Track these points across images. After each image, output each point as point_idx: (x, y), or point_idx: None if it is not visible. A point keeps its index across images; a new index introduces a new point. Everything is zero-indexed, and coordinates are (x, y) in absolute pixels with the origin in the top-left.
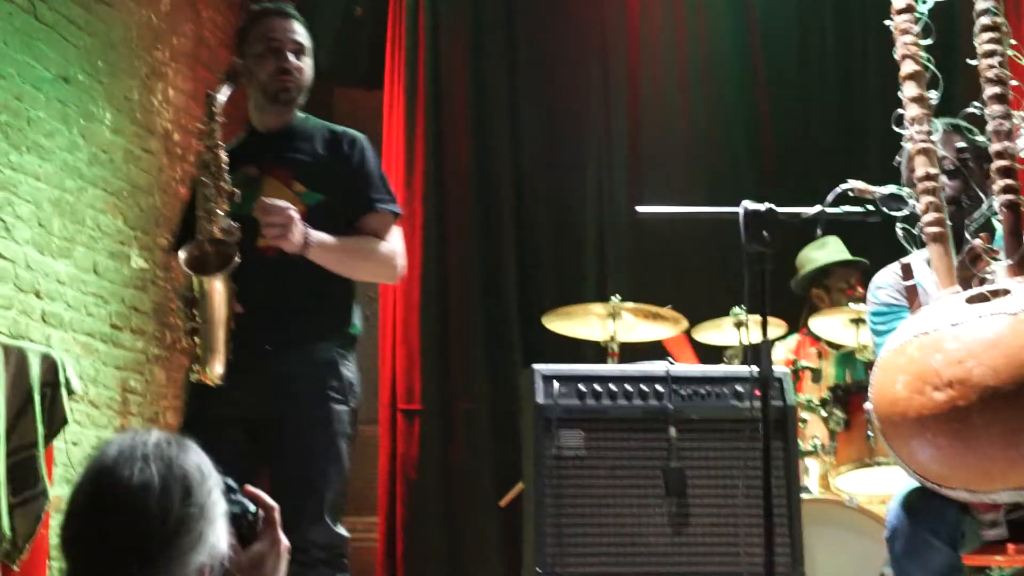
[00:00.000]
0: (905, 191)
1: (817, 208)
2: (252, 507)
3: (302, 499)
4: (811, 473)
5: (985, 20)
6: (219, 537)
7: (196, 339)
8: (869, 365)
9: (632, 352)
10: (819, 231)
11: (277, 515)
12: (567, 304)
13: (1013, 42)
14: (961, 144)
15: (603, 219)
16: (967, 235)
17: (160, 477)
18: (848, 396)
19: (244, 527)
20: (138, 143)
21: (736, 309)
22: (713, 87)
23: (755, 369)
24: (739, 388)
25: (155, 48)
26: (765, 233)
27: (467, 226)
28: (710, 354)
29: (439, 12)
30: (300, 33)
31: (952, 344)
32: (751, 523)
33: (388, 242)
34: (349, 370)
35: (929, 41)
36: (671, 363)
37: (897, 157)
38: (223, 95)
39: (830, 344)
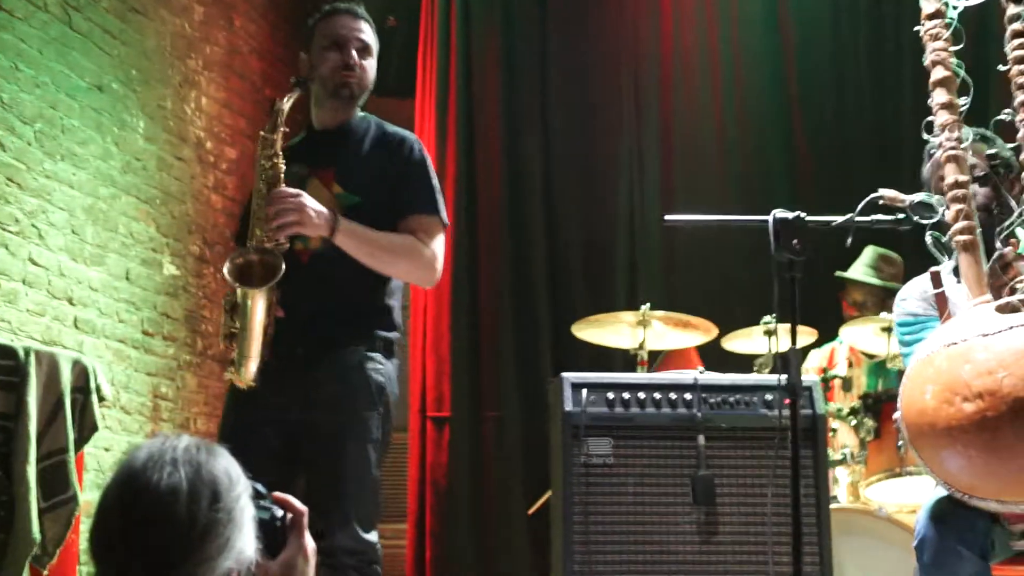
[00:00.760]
0: (935, 199)
1: (847, 216)
2: (280, 512)
3: (329, 505)
4: (841, 482)
5: (1016, 26)
6: (247, 542)
7: (233, 344)
8: (901, 374)
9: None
10: (849, 240)
11: (305, 519)
12: (597, 313)
13: None
14: (991, 151)
15: (634, 228)
16: (997, 243)
17: (188, 482)
18: (879, 405)
19: (272, 532)
20: (171, 151)
21: (766, 317)
22: (746, 96)
23: (784, 378)
24: (768, 397)
25: (188, 57)
26: (795, 241)
27: (498, 235)
28: (740, 363)
29: (471, 22)
30: (367, 33)
31: (982, 355)
32: (780, 532)
33: (429, 245)
34: (381, 374)
35: (959, 46)
36: (700, 371)
37: (925, 169)
38: (288, 103)
39: (863, 353)
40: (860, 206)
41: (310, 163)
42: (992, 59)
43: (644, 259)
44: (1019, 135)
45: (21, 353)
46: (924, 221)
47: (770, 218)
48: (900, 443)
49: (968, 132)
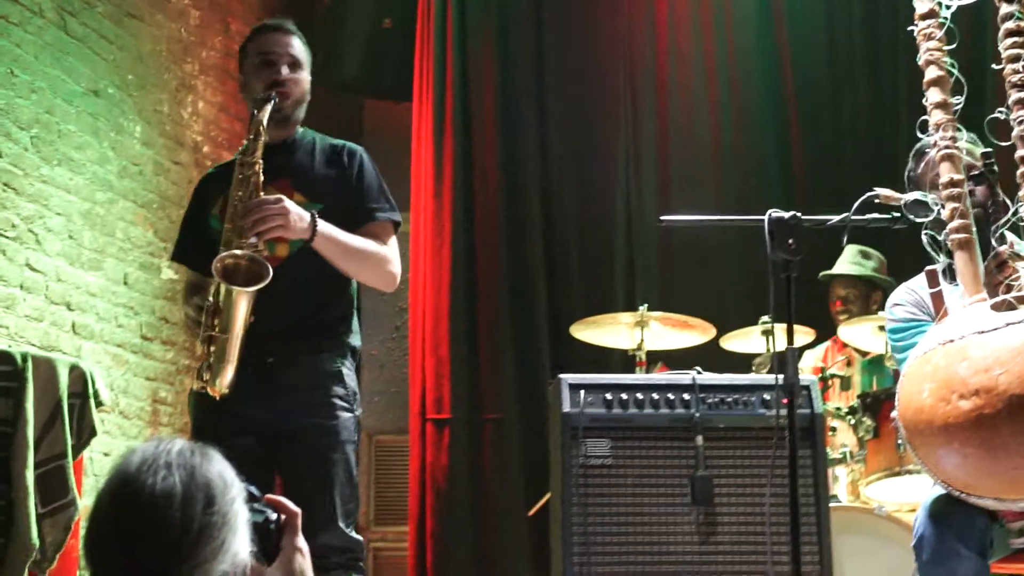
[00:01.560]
0: (930, 198)
1: (843, 216)
2: (274, 515)
3: (316, 507)
4: (840, 481)
5: (1009, 25)
6: (241, 545)
7: (212, 347)
8: (897, 373)
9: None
10: (845, 239)
11: (298, 520)
12: (595, 314)
13: None
14: (986, 149)
15: (631, 229)
16: (993, 241)
17: (183, 485)
18: (878, 404)
19: (266, 535)
20: (168, 155)
21: (764, 317)
22: (742, 96)
23: (781, 377)
24: (766, 396)
25: (185, 61)
26: (791, 241)
27: (495, 237)
28: (739, 362)
29: (467, 24)
30: (296, 47)
31: (978, 352)
32: (779, 532)
33: (390, 248)
34: (352, 380)
35: (953, 46)
36: (699, 372)
37: (917, 166)
38: (266, 114)
39: (858, 351)
40: (855, 205)
41: (264, 176)
42: (988, 58)
43: (642, 260)
44: (1014, 133)
45: (19, 359)
46: (919, 220)
47: (765, 218)
48: (900, 441)
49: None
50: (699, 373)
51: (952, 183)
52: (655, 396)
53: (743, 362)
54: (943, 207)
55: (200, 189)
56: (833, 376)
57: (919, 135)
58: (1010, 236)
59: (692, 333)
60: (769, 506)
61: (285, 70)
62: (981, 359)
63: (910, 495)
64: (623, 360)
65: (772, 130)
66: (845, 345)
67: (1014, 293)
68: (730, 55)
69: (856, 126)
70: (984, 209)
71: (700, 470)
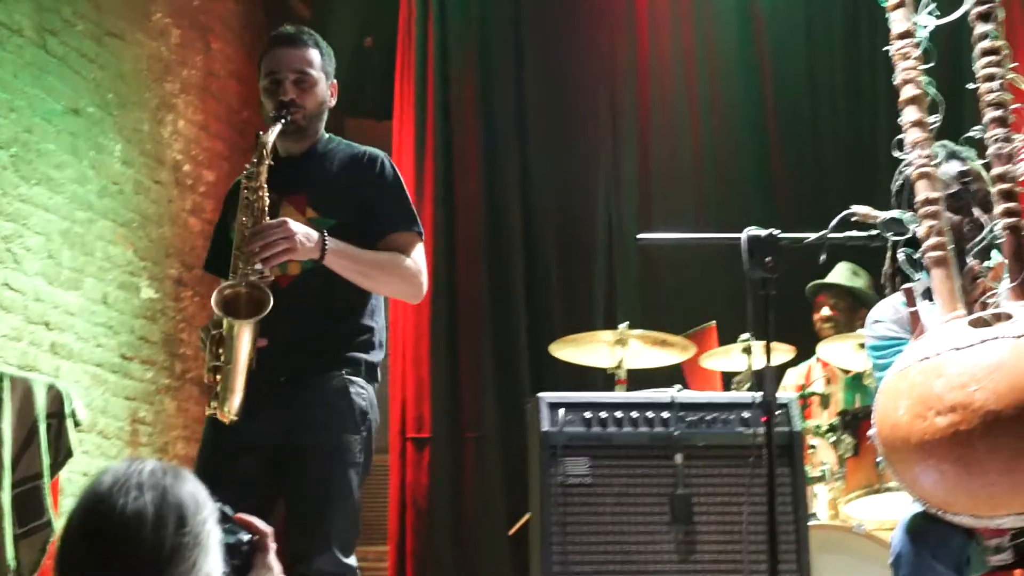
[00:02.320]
0: (907, 216)
1: (820, 233)
2: (246, 536)
3: (310, 529)
4: (820, 499)
5: (984, 44)
6: (213, 566)
7: (218, 377)
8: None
9: (641, 379)
10: (822, 256)
11: (270, 540)
12: (575, 332)
13: (1013, 64)
14: (962, 168)
15: (612, 246)
16: (968, 259)
17: (154, 506)
18: (857, 421)
19: (238, 556)
20: (148, 174)
21: (744, 335)
22: (723, 114)
23: (759, 395)
24: (745, 415)
25: (165, 80)
26: (768, 259)
27: (476, 255)
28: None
29: (448, 43)
30: (304, 58)
31: (954, 368)
32: (757, 550)
33: (413, 259)
34: (362, 398)
35: (930, 65)
36: (677, 390)
37: (896, 183)
38: (272, 136)
39: (839, 369)
40: (833, 223)
41: (279, 190)
42: (966, 77)
43: (622, 278)
44: (988, 152)
45: None
46: (896, 238)
47: (743, 236)
48: (879, 459)
49: (938, 149)
50: (678, 391)
51: (928, 201)
52: (634, 414)
53: (724, 380)
54: (919, 225)
55: (227, 199)
56: (813, 394)
57: (895, 153)
58: (996, 257)
59: (672, 351)
60: (747, 524)
61: (291, 89)
62: (957, 376)
63: (890, 513)
64: (604, 379)
65: (753, 147)
66: (828, 363)
67: (990, 310)
68: (711, 71)
69: (837, 142)
70: (959, 228)
71: (679, 489)
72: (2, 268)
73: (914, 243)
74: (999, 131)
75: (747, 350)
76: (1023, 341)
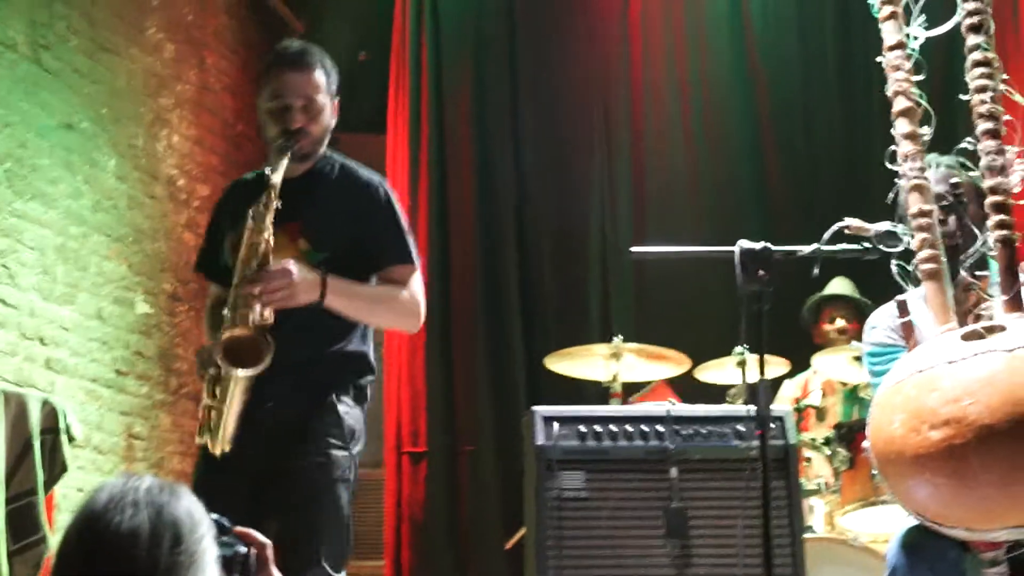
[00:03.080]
0: (900, 228)
1: (814, 246)
2: (243, 548)
3: (300, 545)
4: (816, 512)
5: (976, 56)
6: None
7: (211, 414)
8: None
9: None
10: (816, 269)
11: (270, 552)
12: (570, 345)
13: (1005, 77)
14: (955, 180)
15: (606, 260)
16: (962, 271)
17: (150, 524)
18: (852, 434)
19: (237, 569)
20: (143, 189)
21: (738, 348)
22: (717, 126)
23: (753, 409)
24: (740, 428)
25: (160, 95)
26: (762, 272)
27: (471, 269)
28: (714, 394)
29: (442, 57)
30: (312, 84)
31: (948, 382)
32: (753, 563)
33: (410, 290)
34: (351, 416)
35: (922, 76)
36: (673, 403)
37: (892, 194)
38: (279, 175)
39: (836, 382)
40: (826, 235)
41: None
42: (959, 88)
43: (617, 291)
44: (981, 163)
45: None
46: (889, 250)
47: (736, 249)
48: (875, 472)
49: (932, 161)
50: (673, 404)
51: (921, 213)
52: (629, 428)
53: (718, 393)
54: (912, 237)
55: (222, 202)
56: (810, 406)
57: (888, 165)
58: (995, 267)
59: (667, 365)
60: (742, 538)
61: (299, 116)
62: (951, 389)
63: (886, 526)
64: (598, 392)
65: (747, 159)
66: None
67: (983, 323)
68: (704, 83)
69: (831, 153)
70: (953, 239)
71: (675, 502)
72: None
73: (907, 256)
74: (991, 143)
75: (741, 363)
76: (1016, 354)
